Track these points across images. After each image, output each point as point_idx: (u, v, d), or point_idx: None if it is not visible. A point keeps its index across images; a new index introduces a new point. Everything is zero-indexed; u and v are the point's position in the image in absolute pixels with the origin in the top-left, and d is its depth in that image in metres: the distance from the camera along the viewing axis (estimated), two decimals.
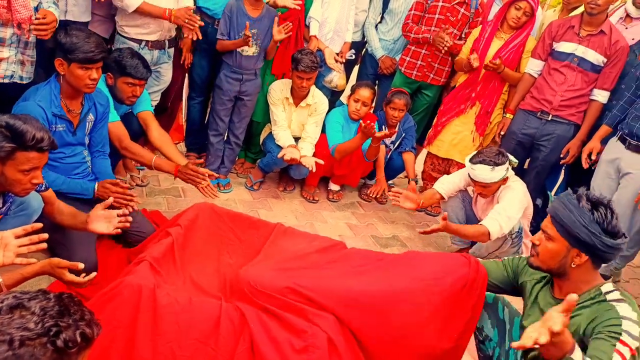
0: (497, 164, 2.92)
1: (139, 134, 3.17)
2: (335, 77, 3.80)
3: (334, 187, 3.94)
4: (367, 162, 3.75)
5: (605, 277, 3.32)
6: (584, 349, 1.59)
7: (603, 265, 3.00)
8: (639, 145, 2.84)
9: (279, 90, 3.57)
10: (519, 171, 3.25)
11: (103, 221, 2.13)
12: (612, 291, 1.70)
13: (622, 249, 1.67)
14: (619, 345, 1.58)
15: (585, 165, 3.11)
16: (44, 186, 2.32)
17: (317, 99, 3.61)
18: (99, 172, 2.70)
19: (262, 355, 1.71)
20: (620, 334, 1.59)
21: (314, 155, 3.57)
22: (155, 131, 3.05)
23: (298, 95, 3.55)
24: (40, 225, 1.69)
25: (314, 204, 3.77)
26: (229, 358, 1.72)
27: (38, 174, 1.91)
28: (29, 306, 0.95)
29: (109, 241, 2.77)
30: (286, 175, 3.85)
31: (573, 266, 1.70)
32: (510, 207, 2.99)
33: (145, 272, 1.86)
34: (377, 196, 3.82)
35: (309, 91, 3.56)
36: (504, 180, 3.03)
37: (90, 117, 2.63)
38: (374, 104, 3.89)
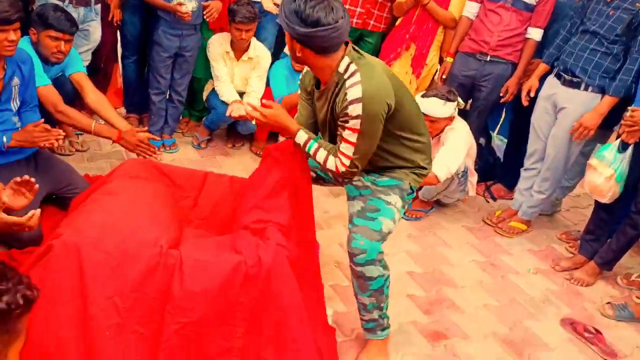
0: (449, 100, 3.03)
1: (72, 97, 3.03)
2: None
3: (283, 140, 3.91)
4: None
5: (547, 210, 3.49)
6: None
7: (542, 197, 3.18)
8: (572, 81, 2.93)
9: (218, 44, 3.46)
10: (461, 113, 3.31)
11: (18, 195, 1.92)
12: (347, 68, 1.87)
13: (322, 36, 1.78)
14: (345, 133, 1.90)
15: (525, 103, 3.20)
16: None
17: (259, 52, 3.52)
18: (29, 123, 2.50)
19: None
20: (347, 121, 1.86)
21: None
22: (91, 93, 2.91)
23: (238, 49, 3.46)
24: None
25: None
26: (163, 298, 1.76)
27: None
28: None
29: (51, 208, 2.68)
30: (234, 132, 3.79)
31: (299, 55, 1.87)
32: (456, 148, 3.07)
33: (77, 229, 1.81)
34: None
35: (249, 44, 3.47)
36: (450, 119, 3.10)
37: (16, 80, 2.47)
38: None
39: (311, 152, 2.00)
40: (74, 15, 2.89)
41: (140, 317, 1.77)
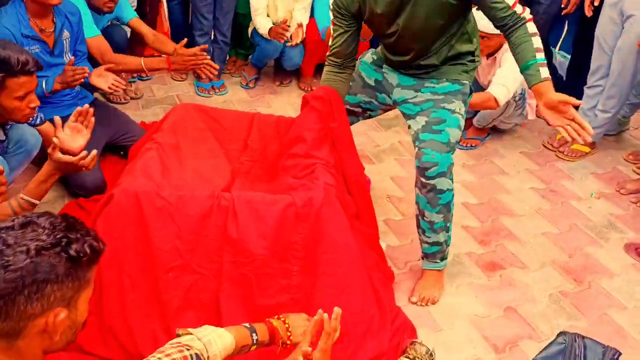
0: None
1: (123, 45, 3.08)
2: None
3: None
4: (363, 42, 3.59)
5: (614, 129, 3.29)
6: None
7: (607, 116, 2.99)
8: None
9: None
10: None
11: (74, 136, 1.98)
12: None
13: None
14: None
15: (588, 14, 2.94)
16: (39, 119, 2.32)
17: None
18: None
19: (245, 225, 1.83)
20: None
21: (304, 41, 3.47)
22: (151, 34, 3.03)
23: None
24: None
25: None
26: (221, 240, 1.83)
27: (33, 97, 1.92)
28: (39, 222, 1.00)
29: (112, 157, 2.81)
30: (281, 68, 3.75)
31: None
32: (514, 68, 2.89)
33: (135, 178, 1.89)
34: None
35: None
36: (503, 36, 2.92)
37: (66, 34, 2.54)
38: None
39: (532, 70, 1.79)
40: None
41: (201, 259, 1.86)
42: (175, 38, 3.71)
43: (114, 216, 1.83)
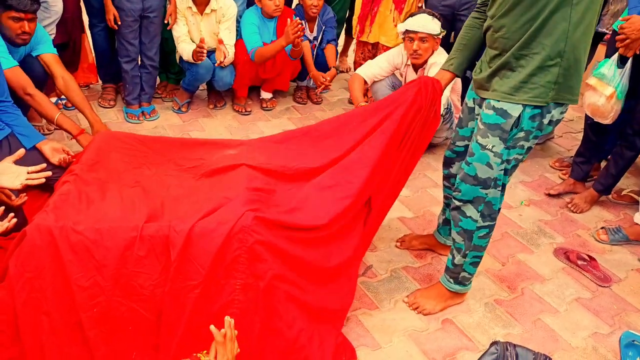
0: (435, 17, 2.96)
1: (42, 79, 2.93)
2: None
3: (265, 95, 3.82)
4: (293, 61, 3.61)
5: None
6: None
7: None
8: None
9: (179, 1, 3.31)
10: (445, 47, 3.19)
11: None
12: None
13: None
14: None
15: None
16: None
17: (222, 2, 3.37)
18: (22, 125, 2.52)
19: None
20: None
21: (234, 62, 3.45)
22: (60, 79, 2.84)
23: (201, 2, 3.31)
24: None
25: (247, 116, 3.66)
26: (151, 269, 1.76)
27: None
28: None
29: (35, 192, 2.65)
30: (214, 91, 3.70)
31: None
32: None
33: (49, 213, 1.80)
34: (322, 87, 3.57)
35: None
36: (437, 42, 3.03)
37: None
38: None
39: None
40: None
41: (125, 291, 1.77)
42: (102, 66, 3.63)
43: (27, 254, 1.73)
